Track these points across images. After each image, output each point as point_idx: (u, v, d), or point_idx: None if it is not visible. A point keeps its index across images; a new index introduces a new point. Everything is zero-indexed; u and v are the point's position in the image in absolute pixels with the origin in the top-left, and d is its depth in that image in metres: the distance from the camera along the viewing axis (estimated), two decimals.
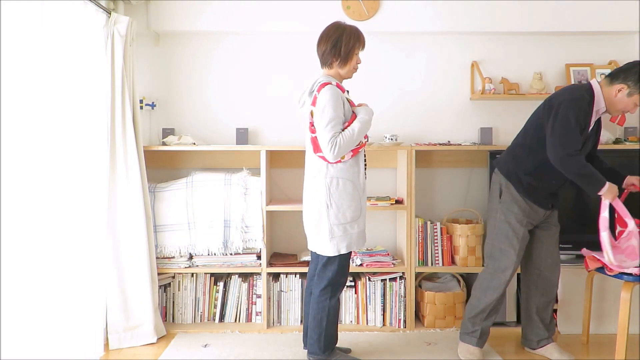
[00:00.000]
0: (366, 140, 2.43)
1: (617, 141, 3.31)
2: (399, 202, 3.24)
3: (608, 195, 2.43)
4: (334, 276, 2.47)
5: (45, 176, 2.28)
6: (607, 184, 2.42)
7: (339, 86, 2.42)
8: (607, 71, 3.39)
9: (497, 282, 2.62)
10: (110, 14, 2.87)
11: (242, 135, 3.33)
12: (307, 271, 3.18)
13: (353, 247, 2.44)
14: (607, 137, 3.29)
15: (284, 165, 3.42)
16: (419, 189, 3.45)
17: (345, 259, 2.49)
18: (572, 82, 3.41)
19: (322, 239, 2.44)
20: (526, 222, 2.61)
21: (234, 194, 3.13)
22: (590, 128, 2.52)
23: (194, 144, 3.24)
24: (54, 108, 2.36)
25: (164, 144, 3.23)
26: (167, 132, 3.37)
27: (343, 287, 2.56)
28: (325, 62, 2.45)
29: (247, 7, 3.34)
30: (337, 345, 2.64)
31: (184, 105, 3.49)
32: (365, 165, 2.52)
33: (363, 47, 2.48)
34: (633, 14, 3.33)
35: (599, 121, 2.61)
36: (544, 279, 2.71)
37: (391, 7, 3.35)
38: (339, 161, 2.40)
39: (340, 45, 2.40)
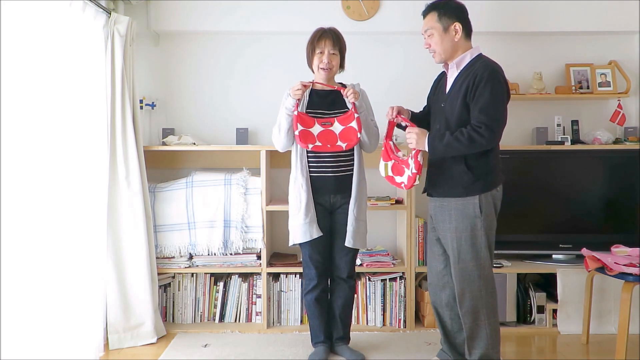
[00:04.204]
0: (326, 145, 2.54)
1: (617, 141, 3.31)
2: (399, 202, 3.24)
3: None
4: (303, 268, 2.69)
5: (45, 176, 2.28)
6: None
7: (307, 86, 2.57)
8: (608, 71, 3.39)
9: None
10: (110, 14, 2.87)
11: (242, 135, 3.33)
12: None
13: (296, 238, 2.58)
14: (607, 137, 3.29)
15: (284, 165, 3.40)
16: (419, 189, 3.44)
17: (302, 248, 2.63)
18: (572, 83, 3.41)
19: None
20: None
21: (234, 194, 3.13)
22: (447, 93, 2.39)
23: (194, 144, 3.23)
24: (54, 108, 2.36)
25: (164, 144, 3.23)
26: (167, 132, 3.36)
27: (310, 285, 2.64)
28: None
29: (247, 7, 3.33)
30: (352, 349, 2.70)
31: (184, 105, 3.49)
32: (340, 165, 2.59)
33: (318, 45, 2.55)
34: (633, 14, 3.32)
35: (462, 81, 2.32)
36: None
37: (391, 7, 3.35)
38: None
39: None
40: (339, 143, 2.53)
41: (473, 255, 2.29)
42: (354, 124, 2.51)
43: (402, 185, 2.47)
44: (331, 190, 2.59)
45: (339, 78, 2.72)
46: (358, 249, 2.71)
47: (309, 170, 2.58)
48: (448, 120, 2.34)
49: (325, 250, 2.64)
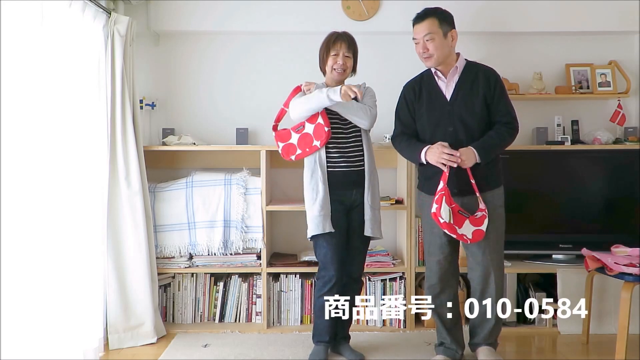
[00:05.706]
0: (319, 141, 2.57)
1: (617, 141, 3.31)
2: (399, 202, 3.24)
3: (430, 157, 2.39)
4: (319, 270, 2.61)
5: (45, 177, 2.28)
6: (426, 147, 2.42)
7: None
8: (608, 71, 3.39)
9: None
10: (110, 14, 2.87)
11: (242, 135, 3.33)
12: (307, 271, 3.19)
13: (312, 230, 2.54)
14: (607, 137, 3.29)
15: (284, 165, 3.40)
16: None
17: (317, 247, 2.58)
18: (572, 83, 3.41)
19: None
20: None
21: (234, 194, 3.13)
22: (451, 96, 2.49)
23: (194, 144, 3.23)
24: (54, 108, 2.36)
25: (164, 144, 3.23)
26: (167, 132, 3.36)
27: (326, 287, 2.53)
28: None
29: (247, 7, 3.33)
30: (352, 348, 2.69)
31: (184, 105, 3.49)
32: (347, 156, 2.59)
33: (333, 47, 2.58)
34: (633, 14, 3.32)
35: (473, 81, 2.49)
36: None
37: (391, 7, 3.35)
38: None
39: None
40: (315, 143, 2.56)
41: (499, 247, 2.49)
42: (320, 120, 2.56)
43: (464, 237, 2.39)
44: (352, 185, 2.59)
45: (348, 82, 2.72)
46: (367, 249, 2.70)
47: (328, 166, 2.58)
48: (465, 120, 2.45)
49: (344, 252, 2.60)
